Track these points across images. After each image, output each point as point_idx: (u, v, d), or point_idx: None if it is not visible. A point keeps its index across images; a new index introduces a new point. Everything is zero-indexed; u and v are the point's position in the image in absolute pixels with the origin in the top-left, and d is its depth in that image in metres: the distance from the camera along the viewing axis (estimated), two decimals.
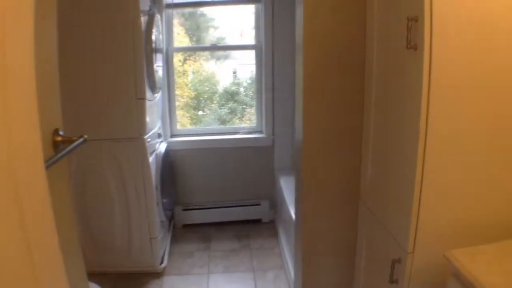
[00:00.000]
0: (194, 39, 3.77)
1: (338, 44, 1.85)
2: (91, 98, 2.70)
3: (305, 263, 2.11)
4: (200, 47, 3.95)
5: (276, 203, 3.86)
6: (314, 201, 2.03)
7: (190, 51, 3.94)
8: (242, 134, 3.82)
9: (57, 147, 1.27)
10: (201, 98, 3.84)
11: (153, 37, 2.81)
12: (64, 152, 1.21)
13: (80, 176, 2.80)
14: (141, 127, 2.79)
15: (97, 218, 2.90)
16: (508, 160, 1.43)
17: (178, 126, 3.86)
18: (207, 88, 3.84)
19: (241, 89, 3.90)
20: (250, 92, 3.90)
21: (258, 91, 3.83)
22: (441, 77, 1.30)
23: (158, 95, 3.21)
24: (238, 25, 3.74)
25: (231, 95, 3.86)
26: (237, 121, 3.88)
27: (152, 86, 2.89)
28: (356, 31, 1.84)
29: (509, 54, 1.32)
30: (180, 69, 3.70)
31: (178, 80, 3.75)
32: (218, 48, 3.96)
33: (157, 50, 2.96)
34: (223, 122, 3.87)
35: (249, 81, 3.91)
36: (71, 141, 1.29)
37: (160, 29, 3.24)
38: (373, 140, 1.82)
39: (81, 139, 1.29)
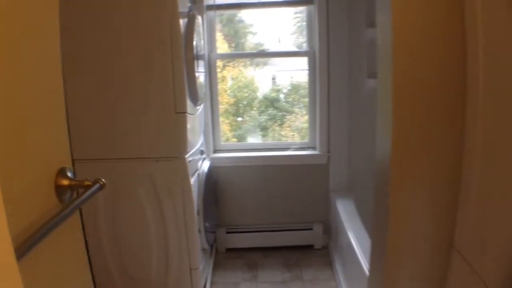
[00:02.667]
0: (233, 45, 3.59)
1: (434, 50, 1.44)
2: (124, 112, 2.39)
3: None
4: (248, 54, 3.65)
5: (330, 227, 3.44)
6: (399, 235, 1.61)
7: (232, 58, 3.66)
8: (293, 150, 3.44)
9: (62, 193, 0.92)
10: (240, 105, 3.67)
11: (194, 42, 2.47)
12: (72, 206, 0.86)
13: (111, 198, 2.49)
14: (182, 145, 2.45)
15: (130, 246, 2.58)
16: None
17: (222, 141, 3.51)
18: (246, 95, 3.67)
19: (281, 96, 3.69)
20: (290, 99, 3.69)
21: (311, 102, 3.44)
22: None
23: (200, 107, 2.87)
24: (277, 31, 3.52)
25: (271, 102, 3.69)
26: (277, 128, 3.62)
27: (193, 97, 2.55)
28: (456, 38, 1.42)
29: None
30: (219, 75, 3.47)
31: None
32: (267, 55, 3.62)
33: (198, 57, 2.61)
34: (263, 129, 3.66)
35: (289, 88, 3.71)
36: (83, 186, 0.94)
37: (201, 33, 2.90)
38: (479, 177, 1.38)
39: (97, 185, 0.93)
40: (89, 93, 2.38)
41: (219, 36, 3.47)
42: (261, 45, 3.58)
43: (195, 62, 2.49)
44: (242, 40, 3.64)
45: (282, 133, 3.66)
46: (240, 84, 3.71)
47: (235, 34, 3.60)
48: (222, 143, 3.50)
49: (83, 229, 2.54)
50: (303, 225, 3.44)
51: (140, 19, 2.26)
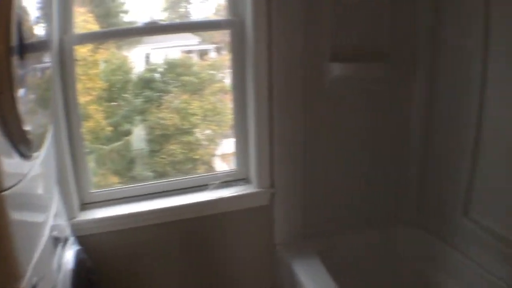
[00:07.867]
0: (105, 26, 3.08)
1: None
2: None
3: None
4: (133, 29, 2.52)
5: None
6: None
7: (107, 38, 2.69)
8: (213, 188, 2.15)
9: None
10: (114, 89, 3.27)
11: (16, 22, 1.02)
12: None
13: None
14: None
15: None
16: None
17: (93, 188, 2.08)
18: (120, 77, 3.30)
19: (156, 75, 3.34)
20: (167, 78, 3.32)
21: (237, 102, 2.18)
22: None
23: (42, 151, 1.40)
24: (149, 8, 3.04)
25: (146, 83, 3.32)
26: (156, 110, 3.16)
27: (18, 140, 1.10)
28: None
29: None
30: (91, 59, 2.97)
31: (89, 71, 2.70)
32: (160, 29, 2.46)
33: (30, 48, 1.16)
34: (141, 112, 3.24)
35: (165, 66, 3.35)
36: None
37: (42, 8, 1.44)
38: None
39: None
40: None
41: (89, 18, 2.80)
42: (134, 23, 3.13)
43: (17, 60, 1.03)
44: (114, 20, 3.21)
45: (160, 115, 3.18)
46: (113, 66, 3.25)
47: (107, 15, 3.13)
48: (93, 191, 2.07)
49: None
50: None
51: None
